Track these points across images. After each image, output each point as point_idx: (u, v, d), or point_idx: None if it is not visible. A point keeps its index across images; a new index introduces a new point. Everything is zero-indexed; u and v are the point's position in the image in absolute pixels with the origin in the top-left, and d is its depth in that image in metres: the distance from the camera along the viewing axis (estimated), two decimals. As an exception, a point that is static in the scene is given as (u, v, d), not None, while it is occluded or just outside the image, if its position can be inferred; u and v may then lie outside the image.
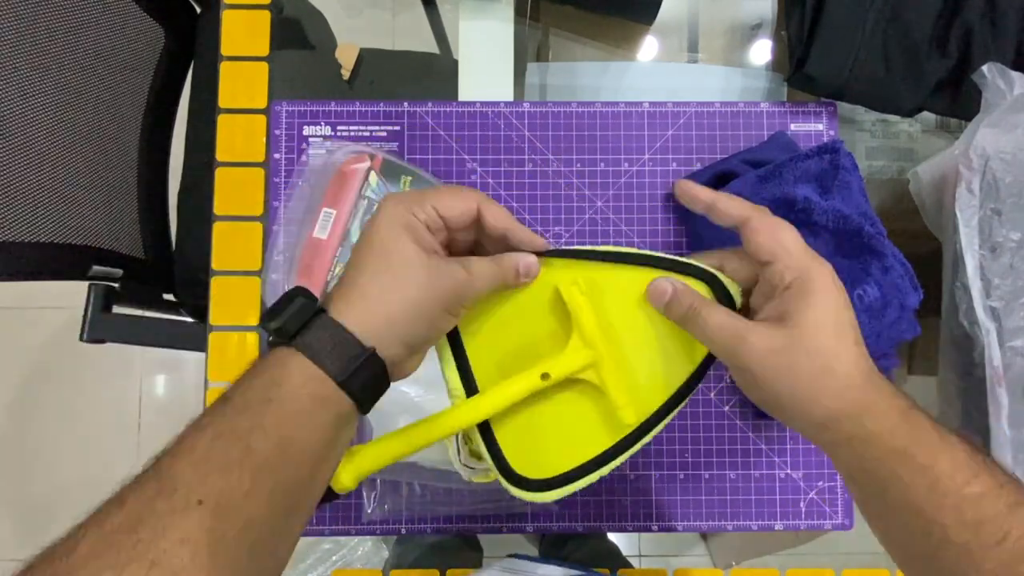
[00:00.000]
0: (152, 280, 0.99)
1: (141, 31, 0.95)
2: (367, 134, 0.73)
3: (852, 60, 0.67)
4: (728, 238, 0.46)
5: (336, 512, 0.68)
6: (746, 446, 0.69)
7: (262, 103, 0.74)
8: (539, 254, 0.46)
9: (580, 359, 0.47)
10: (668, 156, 0.71)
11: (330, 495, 0.43)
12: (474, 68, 0.76)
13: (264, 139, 0.73)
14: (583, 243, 0.70)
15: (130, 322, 0.89)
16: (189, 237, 1.00)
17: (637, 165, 0.71)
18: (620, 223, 0.71)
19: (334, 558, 0.79)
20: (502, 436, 0.48)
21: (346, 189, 0.66)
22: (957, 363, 0.65)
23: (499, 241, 0.45)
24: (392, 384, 0.66)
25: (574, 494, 0.48)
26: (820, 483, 0.69)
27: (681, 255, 0.47)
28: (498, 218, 0.43)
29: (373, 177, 0.66)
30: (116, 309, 0.88)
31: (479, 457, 0.64)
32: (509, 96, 0.75)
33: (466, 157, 0.72)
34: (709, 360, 0.46)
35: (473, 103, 0.73)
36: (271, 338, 0.39)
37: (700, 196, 0.47)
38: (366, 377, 0.39)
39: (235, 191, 0.72)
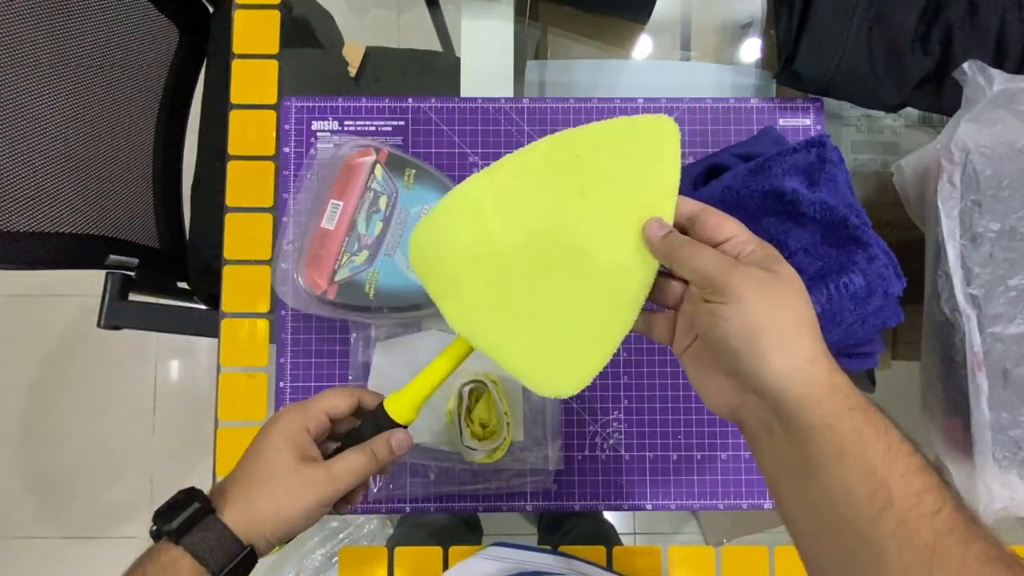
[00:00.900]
0: (166, 269, 1.00)
1: (156, 30, 0.97)
2: (373, 129, 0.74)
3: (838, 58, 0.68)
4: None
5: (343, 491, 0.71)
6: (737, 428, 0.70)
7: (272, 99, 0.76)
8: None
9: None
10: (662, 150, 0.73)
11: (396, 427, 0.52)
12: (476, 65, 0.77)
13: (274, 133, 0.75)
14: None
15: (145, 309, 0.90)
16: (202, 228, 1.01)
17: (632, 159, 0.73)
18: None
19: (341, 535, 0.80)
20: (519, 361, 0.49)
21: (353, 181, 0.67)
22: (939, 349, 0.66)
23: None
24: (397, 369, 0.68)
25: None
26: (807, 464, 0.70)
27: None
28: (375, 400, 0.53)
29: (379, 170, 0.67)
30: (132, 297, 0.89)
31: (481, 439, 0.67)
32: (509, 92, 0.77)
33: (468, 151, 0.74)
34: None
35: (475, 99, 0.75)
36: (157, 529, 0.47)
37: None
38: (240, 571, 0.47)
39: (246, 183, 0.74)
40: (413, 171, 0.67)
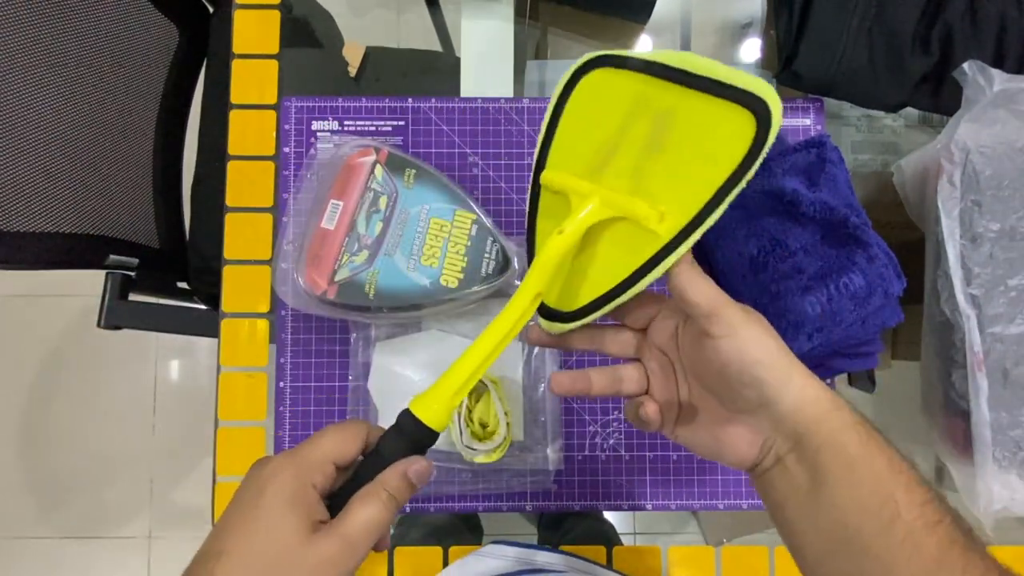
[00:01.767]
0: (166, 269, 1.00)
1: (156, 30, 0.97)
2: (373, 129, 0.75)
3: (838, 58, 0.68)
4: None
5: (343, 491, 0.71)
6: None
7: (272, 99, 0.76)
8: (610, 62, 0.48)
9: (585, 206, 0.47)
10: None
11: (433, 436, 0.44)
12: (475, 65, 0.78)
13: (274, 133, 0.75)
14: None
15: (145, 309, 0.91)
16: (202, 228, 1.02)
17: (632, 158, 0.73)
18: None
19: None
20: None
21: (353, 181, 0.67)
22: (939, 348, 0.66)
23: None
24: (397, 369, 0.68)
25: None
26: (807, 464, 0.71)
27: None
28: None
29: (379, 170, 0.67)
30: (132, 297, 0.90)
31: (481, 439, 0.67)
32: (509, 92, 0.77)
33: (468, 151, 0.74)
34: (748, 161, 0.43)
35: (475, 99, 0.75)
36: None
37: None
38: None
39: (246, 183, 0.74)
40: (413, 171, 0.67)
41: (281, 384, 0.71)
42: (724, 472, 0.71)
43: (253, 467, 0.42)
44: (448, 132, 0.74)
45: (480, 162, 0.74)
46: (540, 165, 0.52)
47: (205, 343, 1.65)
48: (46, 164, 0.81)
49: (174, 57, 1.01)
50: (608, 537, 0.74)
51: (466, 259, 0.66)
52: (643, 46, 0.82)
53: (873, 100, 0.71)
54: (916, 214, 0.69)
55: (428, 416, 0.44)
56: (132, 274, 0.90)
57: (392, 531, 0.79)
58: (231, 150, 0.75)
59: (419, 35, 0.87)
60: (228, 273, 0.74)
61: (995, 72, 0.62)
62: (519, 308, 0.47)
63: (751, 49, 0.80)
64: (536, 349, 0.71)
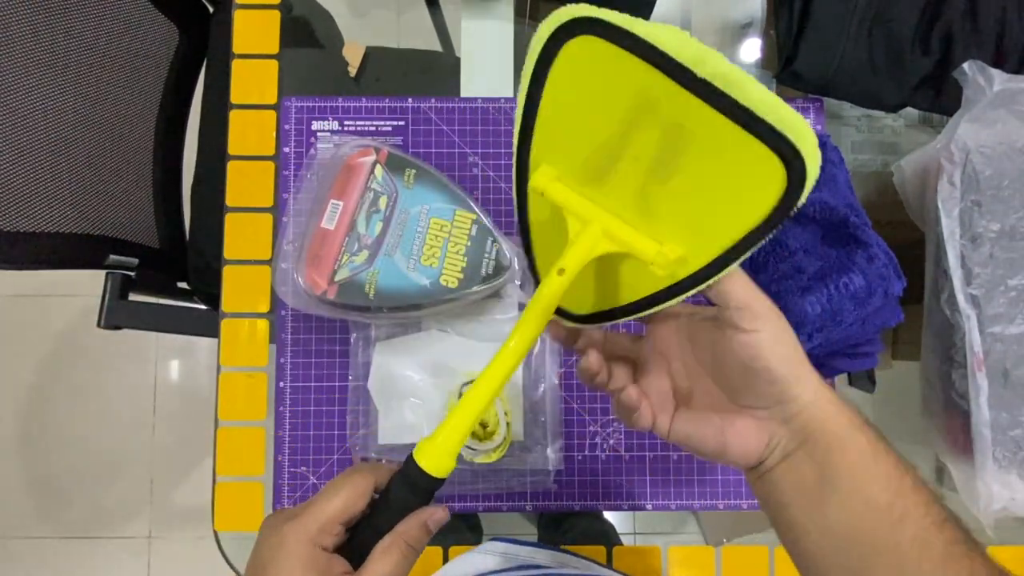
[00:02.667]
0: (167, 269, 1.00)
1: (156, 30, 0.97)
2: (373, 129, 0.75)
3: (838, 58, 0.68)
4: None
5: (343, 491, 0.71)
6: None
7: (272, 99, 0.76)
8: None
9: (586, 241, 0.42)
10: (662, 150, 0.73)
11: (440, 482, 0.43)
12: (475, 65, 0.78)
13: (274, 134, 0.75)
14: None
15: (145, 309, 0.91)
16: (202, 228, 1.02)
17: (632, 158, 0.73)
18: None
19: (341, 535, 0.81)
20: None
21: (353, 181, 0.67)
22: (939, 348, 0.66)
23: None
24: (397, 369, 0.68)
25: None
26: (807, 464, 0.71)
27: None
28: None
29: (379, 170, 0.67)
30: (132, 297, 0.90)
31: (481, 439, 0.67)
32: (509, 92, 0.77)
33: (468, 151, 0.74)
34: (774, 218, 0.38)
35: (474, 99, 0.75)
36: None
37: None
38: None
39: (246, 183, 0.74)
40: (413, 171, 0.67)
41: (281, 384, 0.71)
42: (724, 472, 0.71)
43: (264, 530, 0.42)
44: (448, 132, 0.74)
45: (480, 162, 0.74)
46: (522, 158, 0.44)
47: (205, 343, 1.65)
48: (46, 164, 0.81)
49: (174, 57, 1.01)
50: (608, 537, 0.74)
51: (466, 259, 0.66)
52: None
53: (873, 100, 0.71)
54: (916, 214, 0.69)
55: (432, 466, 0.43)
56: (132, 274, 0.90)
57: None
58: (231, 150, 0.75)
59: (419, 35, 0.87)
60: (228, 273, 0.74)
61: (995, 72, 0.62)
62: (518, 351, 0.44)
63: (751, 49, 0.80)
64: (536, 349, 0.71)
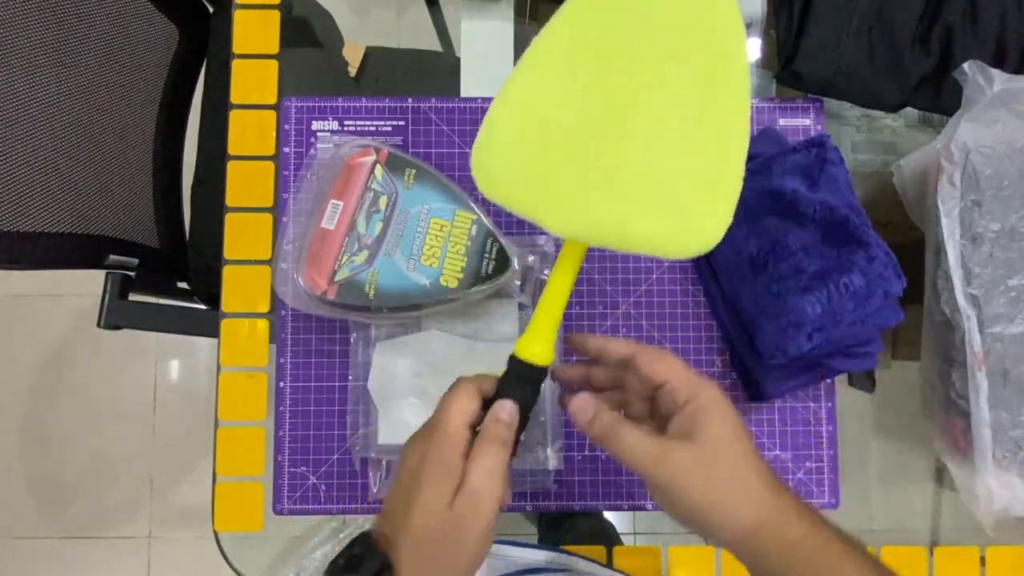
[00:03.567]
0: (167, 269, 1.00)
1: (156, 30, 0.97)
2: (373, 129, 0.75)
3: (838, 58, 0.68)
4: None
5: (344, 491, 0.71)
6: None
7: (272, 99, 0.76)
8: None
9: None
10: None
11: (544, 372, 0.48)
12: (475, 65, 0.78)
13: (274, 134, 0.75)
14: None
15: (145, 309, 0.91)
16: (202, 228, 1.02)
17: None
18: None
19: (342, 535, 0.80)
20: None
21: (353, 181, 0.67)
22: (939, 348, 0.66)
23: None
24: (397, 369, 0.68)
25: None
26: (808, 463, 0.71)
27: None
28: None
29: (379, 170, 0.67)
30: (132, 297, 0.89)
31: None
32: (509, 92, 0.77)
33: (468, 151, 0.74)
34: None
35: (475, 99, 0.75)
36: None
37: (588, 344, 0.51)
38: None
39: (246, 183, 0.74)
40: (413, 171, 0.67)
41: (281, 384, 0.71)
42: (724, 472, 0.71)
43: (404, 450, 0.48)
44: (448, 132, 0.74)
45: (480, 162, 0.74)
46: None
47: (205, 343, 1.65)
48: (46, 164, 0.81)
49: (174, 57, 1.01)
50: (608, 537, 0.74)
51: (466, 259, 0.66)
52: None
53: (873, 100, 0.70)
54: (916, 214, 0.69)
55: (534, 354, 0.47)
56: (132, 274, 0.90)
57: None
58: (231, 150, 0.75)
59: (419, 35, 0.87)
60: (228, 273, 0.74)
61: (995, 72, 0.62)
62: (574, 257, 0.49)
63: (751, 49, 0.80)
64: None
